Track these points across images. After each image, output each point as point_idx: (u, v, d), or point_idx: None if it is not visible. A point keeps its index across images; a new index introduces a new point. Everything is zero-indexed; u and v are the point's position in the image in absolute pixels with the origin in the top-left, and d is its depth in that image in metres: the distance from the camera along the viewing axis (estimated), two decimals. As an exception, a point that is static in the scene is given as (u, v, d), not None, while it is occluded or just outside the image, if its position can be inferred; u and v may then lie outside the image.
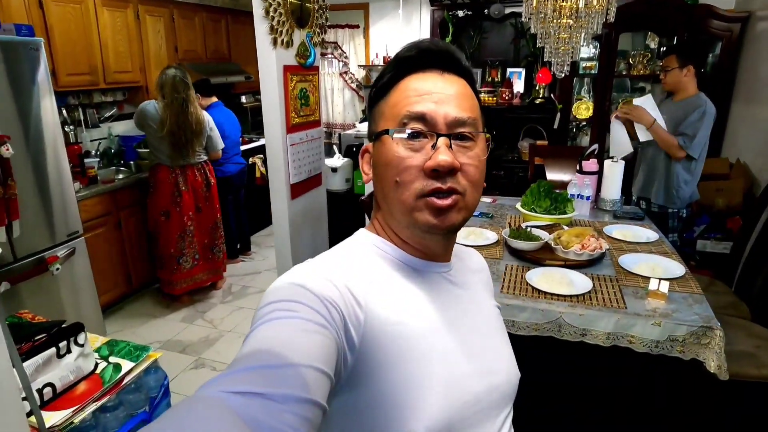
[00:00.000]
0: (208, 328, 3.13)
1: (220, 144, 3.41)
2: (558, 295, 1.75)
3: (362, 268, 0.64)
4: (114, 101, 3.67)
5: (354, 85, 5.22)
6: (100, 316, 2.82)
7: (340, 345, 0.53)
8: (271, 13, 2.12)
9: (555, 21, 2.12)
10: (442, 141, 0.62)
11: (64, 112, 3.19)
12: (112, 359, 1.36)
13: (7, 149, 1.97)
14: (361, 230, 0.74)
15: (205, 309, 3.38)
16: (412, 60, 0.67)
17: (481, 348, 0.71)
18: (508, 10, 4.05)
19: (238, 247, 4.29)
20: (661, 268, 1.95)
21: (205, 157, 3.33)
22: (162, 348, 2.91)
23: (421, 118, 0.63)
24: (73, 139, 3.24)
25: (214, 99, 3.74)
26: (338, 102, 5.32)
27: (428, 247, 0.69)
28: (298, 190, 2.61)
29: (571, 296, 1.75)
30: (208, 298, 3.54)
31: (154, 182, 3.13)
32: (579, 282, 1.84)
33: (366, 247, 0.69)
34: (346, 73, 5.20)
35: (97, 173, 3.10)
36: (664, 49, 3.92)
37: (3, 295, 2.12)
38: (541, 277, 1.89)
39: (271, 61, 2.21)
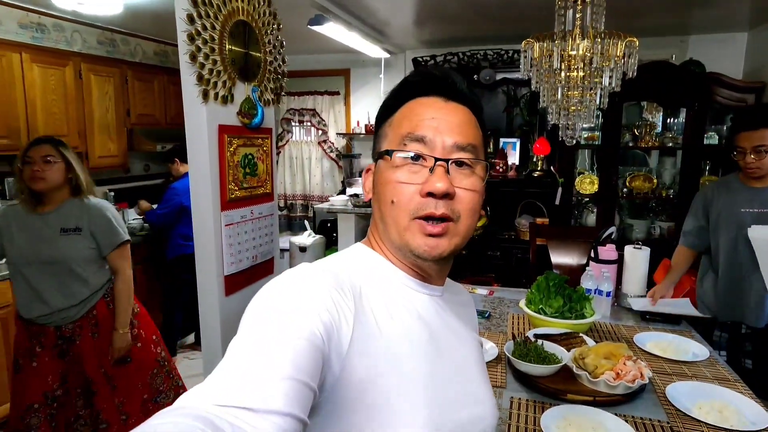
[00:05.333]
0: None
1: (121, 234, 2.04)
2: (593, 463, 1.15)
3: (359, 279, 0.64)
4: (46, 169, 3.16)
5: (333, 155, 4.81)
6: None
7: (326, 355, 0.53)
8: (200, 59, 1.66)
9: (563, 75, 1.66)
10: (439, 165, 0.63)
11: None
12: None
13: None
14: (358, 244, 0.73)
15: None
16: (417, 84, 0.69)
17: (466, 377, 0.72)
18: (499, 76, 3.72)
19: (193, 340, 3.73)
20: (732, 412, 1.37)
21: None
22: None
23: (420, 140, 0.65)
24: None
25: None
26: (316, 172, 4.88)
27: (422, 269, 0.70)
28: (235, 283, 2.01)
29: (612, 464, 1.14)
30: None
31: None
32: (620, 435, 1.24)
33: (361, 260, 0.69)
34: (324, 141, 4.81)
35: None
36: (676, 120, 3.55)
37: None
38: (563, 425, 1.30)
39: (200, 118, 1.72)
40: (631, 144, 3.52)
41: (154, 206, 3.39)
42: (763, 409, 1.37)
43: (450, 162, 0.64)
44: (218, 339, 1.96)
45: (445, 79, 0.69)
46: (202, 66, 1.68)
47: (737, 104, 3.29)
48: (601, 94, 1.70)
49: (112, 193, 3.67)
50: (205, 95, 1.71)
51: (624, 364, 1.48)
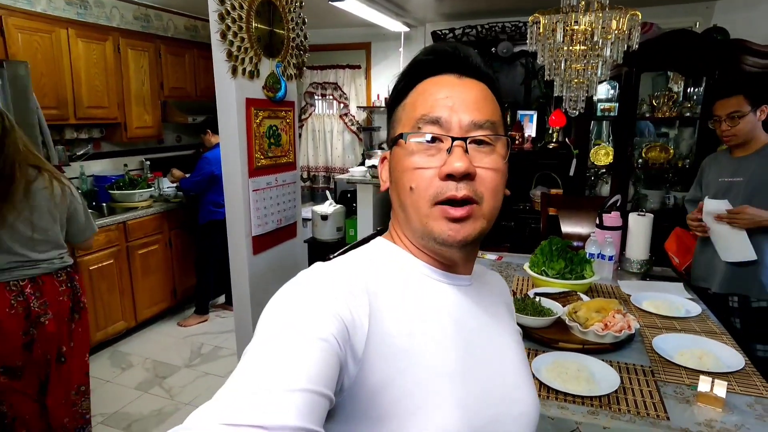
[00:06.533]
0: (164, 399, 2.69)
1: (92, 227, 1.95)
2: (574, 397, 1.31)
3: (374, 277, 0.61)
4: (89, 138, 3.42)
5: (354, 128, 4.95)
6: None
7: (343, 359, 0.52)
8: (229, 37, 1.82)
9: (566, 48, 1.76)
10: (456, 145, 0.60)
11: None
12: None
13: None
14: (378, 238, 0.71)
15: (165, 373, 2.95)
16: (427, 64, 0.66)
17: (501, 370, 0.68)
18: (517, 49, 3.75)
19: (224, 300, 4.00)
20: (711, 358, 1.50)
21: (71, 261, 1.87)
22: (105, 423, 2.47)
23: (435, 121, 0.62)
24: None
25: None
26: (338, 145, 5.04)
27: (446, 257, 0.66)
28: (262, 243, 2.22)
29: (591, 398, 1.31)
30: (171, 359, 3.12)
31: None
32: (602, 376, 1.40)
33: (381, 255, 0.67)
34: (346, 115, 4.94)
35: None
36: (698, 89, 3.52)
37: None
38: (552, 368, 1.45)
39: (229, 92, 1.89)
40: (648, 114, 3.54)
41: (187, 175, 3.62)
42: (741, 355, 1.50)
43: (468, 141, 0.61)
44: (247, 293, 2.18)
45: (456, 55, 0.65)
46: (231, 43, 1.84)
47: (765, 71, 3.22)
48: (602, 67, 1.80)
49: (149, 162, 3.92)
50: (234, 71, 1.87)
51: (613, 316, 1.61)
